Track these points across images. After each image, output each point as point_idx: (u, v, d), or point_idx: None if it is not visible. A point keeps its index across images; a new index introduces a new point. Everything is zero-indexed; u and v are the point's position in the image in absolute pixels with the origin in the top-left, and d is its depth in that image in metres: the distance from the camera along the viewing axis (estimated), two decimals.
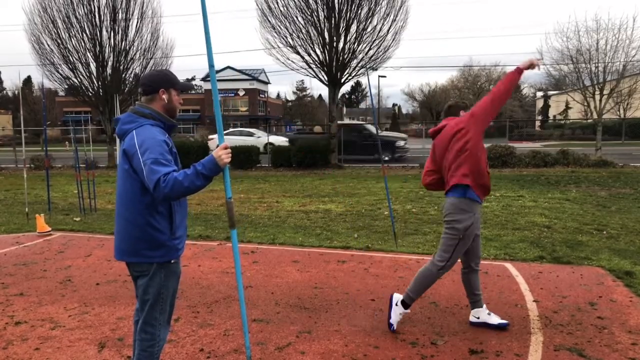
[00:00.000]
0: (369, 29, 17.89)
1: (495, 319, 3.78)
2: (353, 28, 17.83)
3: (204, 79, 61.09)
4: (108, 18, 20.10)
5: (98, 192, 11.25)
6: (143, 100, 2.65)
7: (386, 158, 19.86)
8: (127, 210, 2.55)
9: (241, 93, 59.98)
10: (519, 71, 3.53)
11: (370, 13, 17.69)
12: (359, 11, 17.65)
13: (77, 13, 19.78)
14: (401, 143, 21.25)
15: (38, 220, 7.67)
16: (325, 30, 17.91)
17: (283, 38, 18.28)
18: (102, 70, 20.48)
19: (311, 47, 18.11)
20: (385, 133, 22.49)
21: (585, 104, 18.07)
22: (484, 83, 53.71)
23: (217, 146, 2.55)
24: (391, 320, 3.77)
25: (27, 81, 70.74)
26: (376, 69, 20.08)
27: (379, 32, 17.97)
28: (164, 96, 2.61)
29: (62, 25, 19.86)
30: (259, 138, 27.07)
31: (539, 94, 57.88)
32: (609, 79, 17.42)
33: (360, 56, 18.32)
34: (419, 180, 13.67)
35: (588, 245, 6.24)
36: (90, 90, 20.89)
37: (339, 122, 20.68)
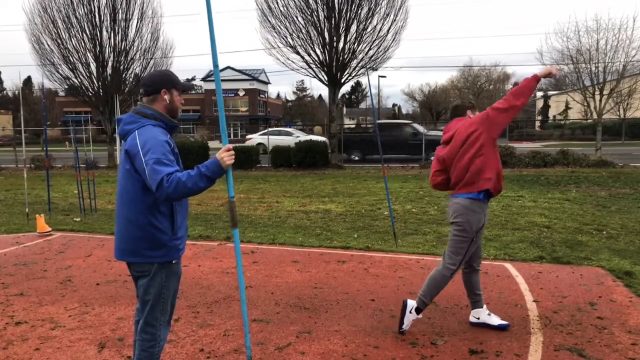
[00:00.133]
0: (369, 29, 17.91)
1: (495, 320, 3.78)
2: (353, 28, 17.84)
3: (204, 79, 61.11)
4: (108, 18, 20.11)
5: (98, 192, 11.25)
6: (144, 100, 2.65)
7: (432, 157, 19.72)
8: (128, 210, 2.55)
9: (241, 93, 59.99)
10: (536, 79, 3.46)
11: (370, 13, 17.71)
12: (359, 11, 17.66)
13: (77, 13, 19.80)
14: None
15: (38, 220, 7.67)
16: (325, 30, 17.92)
17: (283, 38, 18.31)
18: (102, 71, 20.49)
19: (311, 47, 18.13)
20: (431, 132, 21.69)
21: (585, 104, 18.06)
22: (484, 83, 53.76)
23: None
24: (404, 327, 3.75)
25: (27, 81, 70.77)
26: (376, 69, 20.11)
27: (379, 32, 18.00)
28: (165, 96, 2.62)
29: (62, 26, 19.89)
30: (298, 138, 26.87)
31: (539, 94, 57.86)
32: (609, 79, 17.41)
33: (360, 56, 18.34)
34: (419, 180, 13.67)
35: (588, 245, 6.25)
36: (90, 90, 20.90)
37: (378, 121, 20.43)
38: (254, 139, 28.76)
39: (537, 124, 49.87)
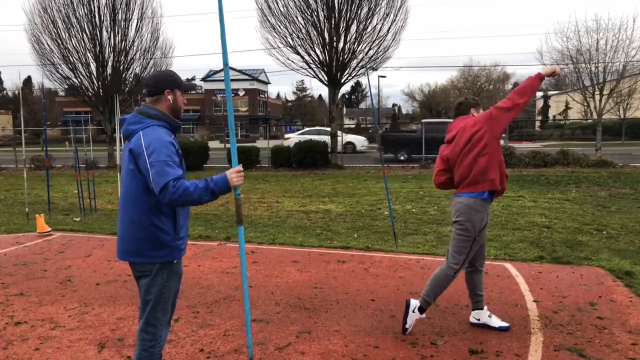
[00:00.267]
0: (369, 29, 17.91)
1: (496, 322, 3.77)
2: (353, 28, 17.84)
3: (204, 79, 61.10)
4: (108, 18, 20.11)
5: (98, 192, 11.25)
6: (148, 101, 2.65)
7: None
8: (131, 211, 2.56)
9: (241, 93, 59.96)
10: (539, 77, 3.44)
11: (370, 13, 17.71)
12: (359, 11, 17.67)
13: (77, 13, 19.80)
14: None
15: (38, 220, 7.67)
16: (325, 30, 17.92)
17: (283, 38, 18.31)
18: (102, 70, 20.49)
19: (311, 47, 18.13)
20: None
21: (585, 104, 18.07)
22: (484, 83, 53.75)
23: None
24: (407, 326, 3.74)
25: (27, 81, 70.77)
26: (376, 69, 20.10)
27: (378, 32, 18.00)
28: (169, 97, 2.62)
29: (62, 26, 19.89)
30: (338, 137, 26.53)
31: (539, 94, 57.86)
32: (609, 79, 17.42)
33: (360, 56, 18.34)
34: (419, 180, 13.67)
35: (588, 245, 6.24)
36: (90, 90, 20.90)
37: (423, 120, 20.03)
38: (292, 138, 27.53)
39: (537, 124, 49.86)
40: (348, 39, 17.91)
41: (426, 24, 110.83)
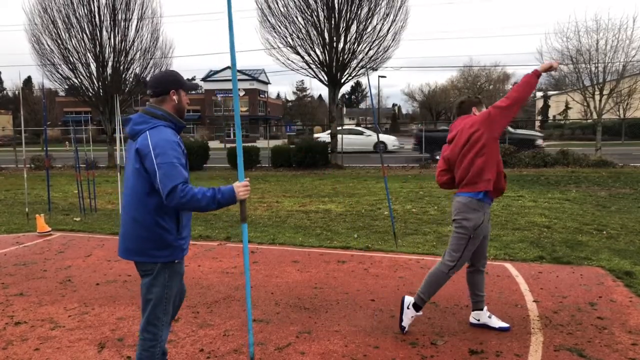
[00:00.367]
0: (369, 29, 17.90)
1: (496, 323, 3.77)
2: (353, 28, 17.83)
3: (204, 79, 61.11)
4: (108, 18, 20.11)
5: (98, 192, 11.25)
6: (152, 101, 2.66)
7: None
8: (135, 210, 2.57)
9: (241, 93, 59.93)
10: (536, 74, 3.42)
11: (370, 13, 17.70)
12: (359, 11, 17.65)
13: (77, 13, 19.81)
14: (540, 141, 19.67)
15: (38, 220, 7.67)
16: (325, 30, 17.91)
17: (283, 38, 18.30)
18: (102, 71, 20.49)
19: (311, 48, 18.12)
20: (521, 131, 20.94)
21: (585, 104, 18.06)
22: (484, 83, 53.73)
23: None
24: (403, 324, 3.75)
25: (28, 81, 70.80)
26: (376, 69, 20.09)
27: (378, 32, 17.98)
28: (174, 97, 2.65)
29: (62, 26, 19.89)
30: (369, 137, 25.82)
31: (539, 94, 57.85)
32: (609, 79, 17.42)
33: (360, 56, 18.33)
34: (419, 180, 13.67)
35: (588, 245, 6.24)
36: (91, 90, 20.90)
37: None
38: (321, 138, 26.71)
39: (537, 124, 49.85)
40: (348, 39, 17.90)
41: (426, 24, 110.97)
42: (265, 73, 64.10)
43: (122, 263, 5.82)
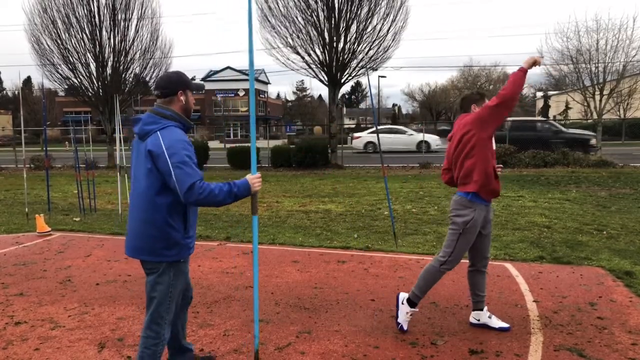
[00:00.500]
0: (369, 29, 17.89)
1: (496, 323, 3.77)
2: (353, 28, 17.83)
3: (204, 79, 61.12)
4: (108, 18, 20.11)
5: (98, 192, 11.24)
6: (160, 102, 2.70)
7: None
8: (145, 210, 2.59)
9: (241, 93, 59.99)
10: (522, 70, 3.41)
11: (370, 13, 17.70)
12: (359, 11, 17.65)
13: (77, 13, 19.80)
14: (594, 141, 18.70)
15: (38, 220, 7.66)
16: (325, 30, 17.90)
17: (283, 38, 18.29)
18: (102, 71, 20.48)
19: (311, 48, 18.12)
20: (573, 130, 19.98)
21: (585, 104, 18.07)
22: (484, 83, 53.74)
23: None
24: (399, 320, 3.78)
25: (27, 81, 70.82)
26: (376, 69, 20.08)
27: (379, 32, 17.98)
28: (182, 97, 2.69)
29: (62, 26, 19.88)
30: (411, 136, 25.29)
31: (539, 94, 57.85)
32: (609, 79, 17.42)
33: (360, 56, 18.32)
34: (419, 180, 13.67)
35: (588, 245, 6.24)
36: (90, 90, 20.90)
37: (509, 118, 19.06)
38: (362, 137, 26.40)
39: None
40: (348, 39, 17.90)
41: (426, 24, 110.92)
42: (265, 73, 64.13)
43: (122, 263, 5.82)
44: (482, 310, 3.82)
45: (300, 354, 3.43)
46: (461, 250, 3.65)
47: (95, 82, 20.72)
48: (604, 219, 7.79)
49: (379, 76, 51.45)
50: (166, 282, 2.66)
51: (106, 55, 20.38)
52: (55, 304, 4.48)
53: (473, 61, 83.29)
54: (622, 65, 17.21)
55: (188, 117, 2.74)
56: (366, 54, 18.27)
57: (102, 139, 25.82)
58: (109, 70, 20.60)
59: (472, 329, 3.78)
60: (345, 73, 18.42)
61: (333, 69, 18.08)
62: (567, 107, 43.20)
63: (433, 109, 64.66)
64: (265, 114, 63.83)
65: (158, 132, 2.56)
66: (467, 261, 3.89)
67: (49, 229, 7.69)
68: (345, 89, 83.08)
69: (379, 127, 25.51)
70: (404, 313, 3.77)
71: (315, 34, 17.95)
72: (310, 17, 17.82)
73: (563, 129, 19.58)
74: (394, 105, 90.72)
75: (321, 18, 17.80)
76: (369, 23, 17.79)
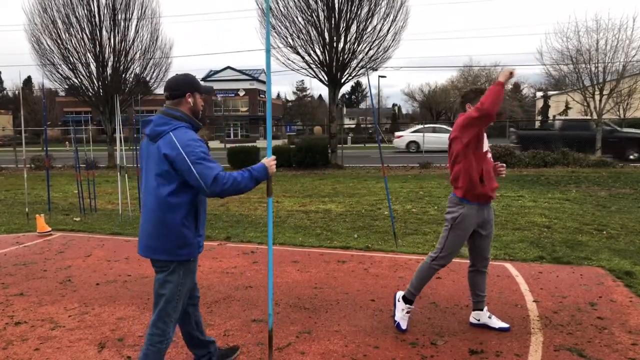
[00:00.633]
0: (369, 29, 17.88)
1: (496, 323, 3.77)
2: (353, 28, 17.82)
3: (204, 79, 61.09)
4: (108, 18, 20.12)
5: (98, 192, 11.25)
6: (169, 103, 2.77)
7: (632, 156, 18.04)
8: (159, 212, 2.63)
9: (241, 93, 60.00)
10: (500, 85, 3.34)
11: (370, 13, 17.69)
12: (359, 11, 17.64)
13: (77, 13, 19.81)
14: None
15: (38, 220, 7.67)
16: (326, 30, 17.90)
17: (283, 38, 18.28)
18: (102, 71, 20.49)
19: (311, 48, 18.11)
20: (627, 129, 19.38)
21: (585, 104, 18.06)
22: (484, 83, 53.70)
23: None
24: (395, 318, 3.80)
25: (28, 81, 70.82)
26: (376, 69, 20.07)
27: (379, 32, 17.96)
28: (190, 100, 2.76)
29: (62, 26, 19.88)
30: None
31: (539, 94, 57.85)
32: (609, 79, 17.42)
33: (360, 56, 18.31)
34: (419, 180, 13.68)
35: (588, 245, 6.24)
36: (91, 90, 20.90)
37: (557, 117, 18.64)
38: (404, 137, 25.85)
39: (537, 124, 49.83)
40: (348, 39, 17.89)
41: (426, 24, 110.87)
42: (265, 73, 64.05)
43: (122, 263, 5.83)
44: (482, 310, 3.82)
45: (300, 354, 3.43)
46: (451, 247, 3.66)
47: (95, 82, 20.72)
48: (604, 219, 7.80)
49: (379, 76, 51.49)
50: (175, 281, 2.71)
51: (106, 55, 20.38)
52: (56, 304, 4.48)
53: (473, 61, 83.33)
54: (622, 65, 17.20)
55: (197, 118, 2.81)
56: (366, 54, 18.27)
57: (102, 139, 25.83)
58: (109, 70, 20.61)
59: (472, 329, 3.78)
60: (345, 73, 18.42)
61: (333, 69, 18.07)
62: (567, 107, 43.19)
63: (433, 109, 64.61)
64: (265, 114, 63.80)
65: (171, 133, 2.61)
66: (467, 261, 3.89)
67: (49, 229, 7.69)
68: (345, 89, 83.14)
69: (423, 127, 25.14)
70: (400, 310, 3.80)
71: (315, 34, 17.95)
72: (310, 17, 17.82)
73: (618, 128, 19.18)
74: (394, 105, 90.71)
75: (321, 18, 17.80)
76: (369, 23, 17.80)
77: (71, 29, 19.90)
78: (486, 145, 3.62)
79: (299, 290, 4.77)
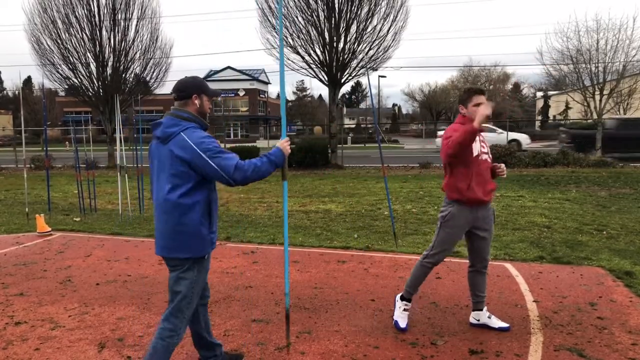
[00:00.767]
0: (369, 29, 17.89)
1: (496, 323, 3.77)
2: (353, 28, 17.83)
3: (204, 79, 61.07)
4: (108, 18, 20.11)
5: (98, 192, 11.25)
6: (177, 105, 2.83)
7: None
8: (173, 213, 2.67)
9: (241, 93, 59.98)
10: (475, 130, 3.24)
11: (370, 13, 17.69)
12: (359, 11, 17.65)
13: (76, 13, 19.81)
14: None
15: (38, 220, 7.67)
16: (326, 30, 17.90)
17: (283, 38, 18.28)
18: (102, 71, 20.48)
19: (311, 48, 18.11)
20: None
21: (585, 104, 18.07)
22: (484, 83, 53.70)
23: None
24: (394, 316, 3.82)
25: (28, 81, 70.82)
26: (376, 69, 20.08)
27: (379, 32, 17.97)
28: (196, 101, 2.82)
29: (62, 26, 19.89)
30: (501, 135, 24.13)
31: (539, 94, 57.87)
32: (609, 79, 17.42)
33: (360, 56, 18.32)
34: (419, 180, 13.68)
35: (588, 245, 6.24)
36: (91, 90, 20.90)
37: (613, 116, 17.90)
38: (438, 141, 25.60)
39: (537, 124, 49.84)
40: (348, 39, 17.89)
41: (426, 24, 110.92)
42: (265, 73, 64.11)
43: (122, 263, 5.83)
44: (482, 310, 3.82)
45: (300, 354, 3.43)
46: (441, 244, 3.68)
47: (95, 82, 20.72)
48: (604, 219, 7.80)
49: (379, 76, 51.54)
50: (190, 278, 2.75)
51: (106, 55, 20.38)
52: (56, 304, 4.48)
53: (473, 61, 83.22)
54: (622, 65, 17.21)
55: (204, 119, 2.86)
56: (366, 54, 18.27)
57: (102, 139, 25.82)
58: (109, 70, 20.61)
59: (472, 329, 3.78)
60: (345, 73, 18.42)
61: (333, 69, 18.07)
62: (567, 107, 43.21)
63: (433, 109, 64.63)
64: (265, 114, 63.82)
65: (182, 134, 2.66)
66: (467, 261, 3.90)
67: (49, 229, 7.69)
68: (346, 89, 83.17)
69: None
70: (398, 308, 3.83)
71: (315, 33, 17.95)
72: (310, 17, 17.82)
73: None
74: (394, 105, 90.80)
75: (321, 18, 17.80)
76: (369, 23, 17.80)
77: (71, 29, 19.91)
78: (478, 148, 3.56)
79: (299, 290, 4.77)
